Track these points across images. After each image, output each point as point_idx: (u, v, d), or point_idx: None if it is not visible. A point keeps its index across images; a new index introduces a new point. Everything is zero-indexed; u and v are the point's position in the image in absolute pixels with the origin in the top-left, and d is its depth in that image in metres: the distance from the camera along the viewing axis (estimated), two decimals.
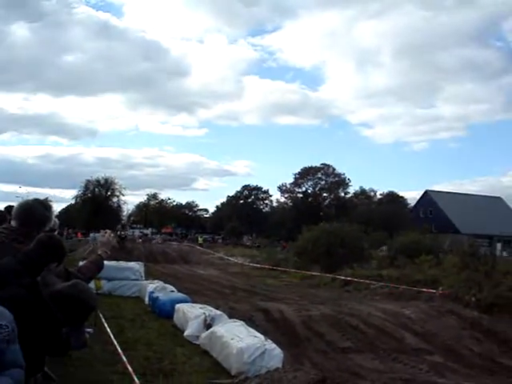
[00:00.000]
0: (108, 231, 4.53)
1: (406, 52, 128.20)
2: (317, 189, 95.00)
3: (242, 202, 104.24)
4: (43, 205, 4.10)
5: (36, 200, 4.19)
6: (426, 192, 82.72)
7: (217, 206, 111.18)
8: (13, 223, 4.04)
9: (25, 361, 2.75)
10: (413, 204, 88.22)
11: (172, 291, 13.59)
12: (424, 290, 17.31)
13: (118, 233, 50.80)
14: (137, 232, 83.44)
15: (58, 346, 3.13)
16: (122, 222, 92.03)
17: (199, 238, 67.79)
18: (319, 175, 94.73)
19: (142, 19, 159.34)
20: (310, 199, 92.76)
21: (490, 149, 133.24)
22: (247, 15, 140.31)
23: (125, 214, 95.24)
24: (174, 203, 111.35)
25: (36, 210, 4.00)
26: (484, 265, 18.60)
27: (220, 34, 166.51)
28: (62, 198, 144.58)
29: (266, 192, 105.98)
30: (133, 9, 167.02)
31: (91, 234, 39.80)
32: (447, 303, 14.91)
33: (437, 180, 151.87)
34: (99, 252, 4.20)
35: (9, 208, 7.65)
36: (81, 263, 8.06)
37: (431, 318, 13.28)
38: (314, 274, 25.41)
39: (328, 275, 23.85)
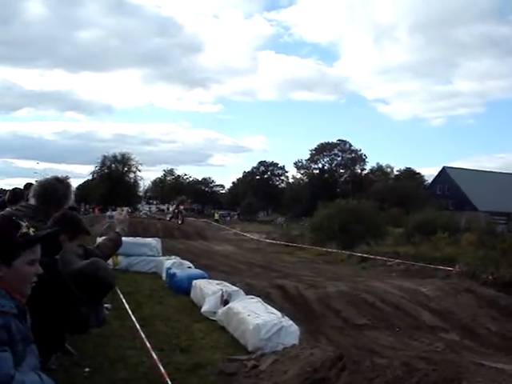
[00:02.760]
0: (125, 209, 4.54)
1: (423, 27, 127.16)
2: (333, 165, 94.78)
3: (257, 178, 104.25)
4: (63, 183, 4.09)
5: (56, 178, 4.17)
6: (443, 169, 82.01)
7: (233, 182, 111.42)
8: (31, 201, 4.04)
9: (46, 339, 2.77)
10: (430, 181, 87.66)
11: (189, 267, 13.63)
12: (441, 267, 17.24)
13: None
14: (153, 208, 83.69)
15: (77, 323, 3.15)
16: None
17: (215, 214, 67.88)
18: (335, 151, 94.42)
19: None
20: (326, 175, 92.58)
21: (508, 125, 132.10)
22: None
23: (141, 189, 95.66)
24: (190, 179, 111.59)
25: (57, 189, 3.99)
26: (501, 242, 18.48)
27: (235, 9, 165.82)
28: (79, 173, 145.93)
29: (282, 168, 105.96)
30: None
31: (108, 212, 39.89)
32: (464, 281, 14.83)
33: (454, 157, 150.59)
34: (117, 229, 4.21)
35: (28, 185, 7.68)
36: (98, 239, 8.10)
37: (448, 295, 13.23)
38: (329, 250, 25.37)
39: (344, 252, 23.81)
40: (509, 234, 19.82)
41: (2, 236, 2.27)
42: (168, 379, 5.66)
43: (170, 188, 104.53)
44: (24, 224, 2.38)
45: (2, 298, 2.21)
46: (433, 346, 9.62)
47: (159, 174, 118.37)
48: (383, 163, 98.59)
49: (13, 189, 7.37)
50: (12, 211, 4.01)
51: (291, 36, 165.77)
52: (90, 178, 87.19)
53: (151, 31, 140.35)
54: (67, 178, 4.15)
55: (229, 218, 73.19)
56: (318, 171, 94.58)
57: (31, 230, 2.38)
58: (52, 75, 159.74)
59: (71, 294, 2.95)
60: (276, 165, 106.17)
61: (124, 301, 9.23)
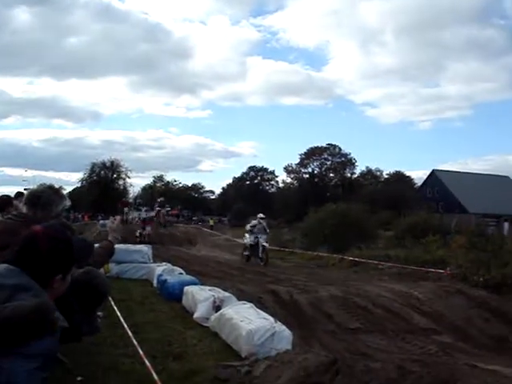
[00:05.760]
0: (117, 217, 4.53)
1: (410, 31, 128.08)
2: (323, 169, 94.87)
3: (247, 183, 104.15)
4: (51, 188, 4.11)
5: (48, 186, 4.20)
6: (432, 171, 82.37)
7: (223, 188, 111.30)
8: (24, 209, 4.06)
9: None
10: (419, 184, 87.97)
11: (180, 273, 13.58)
12: (432, 270, 17.28)
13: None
14: (143, 214, 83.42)
15: (70, 332, 3.12)
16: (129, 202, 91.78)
17: (210, 220, 68.59)
18: (325, 155, 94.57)
19: (144, 1, 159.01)
20: (316, 180, 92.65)
21: (496, 127, 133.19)
22: None
23: (131, 196, 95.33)
24: (180, 185, 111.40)
25: (43, 193, 4.01)
26: (492, 244, 18.53)
27: (222, 15, 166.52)
28: (67, 181, 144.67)
29: (272, 173, 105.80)
30: None
31: (100, 221, 39.83)
32: (455, 283, 14.88)
33: (443, 159, 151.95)
34: (110, 238, 4.20)
35: (18, 194, 7.64)
36: None
37: (439, 298, 13.27)
38: (321, 254, 25.41)
39: (335, 256, 23.83)
40: (499, 236, 19.87)
41: (68, 252, 2.34)
42: None
43: (160, 194, 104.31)
44: None
45: None
46: (426, 348, 9.63)
47: (149, 180, 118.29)
48: (373, 167, 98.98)
49: (0, 196, 7.33)
50: (3, 219, 4.03)
51: (278, 41, 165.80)
52: (78, 185, 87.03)
53: (139, 37, 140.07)
54: (61, 187, 4.18)
55: (218, 223, 72.00)
56: (307, 175, 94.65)
57: None
58: (40, 83, 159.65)
59: (65, 303, 2.93)
60: (266, 170, 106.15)
61: (115, 308, 9.20)
